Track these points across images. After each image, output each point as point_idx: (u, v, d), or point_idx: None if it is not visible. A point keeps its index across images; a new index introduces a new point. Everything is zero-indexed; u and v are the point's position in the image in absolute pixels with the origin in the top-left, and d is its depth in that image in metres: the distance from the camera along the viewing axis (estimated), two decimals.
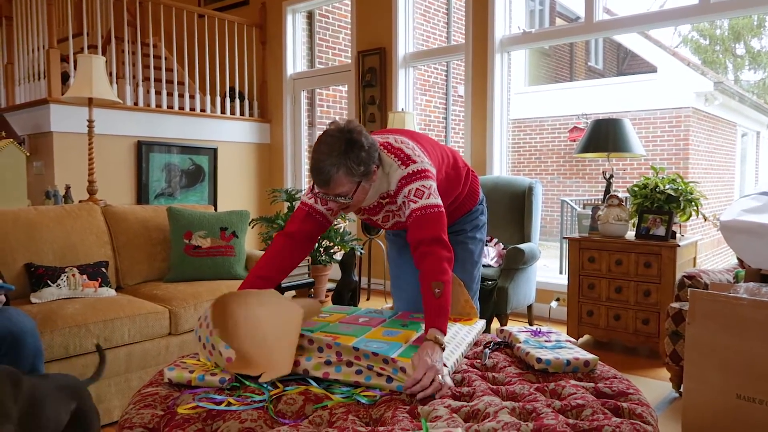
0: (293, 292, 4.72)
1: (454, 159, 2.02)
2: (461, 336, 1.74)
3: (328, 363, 1.45)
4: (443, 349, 1.49)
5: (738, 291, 2.27)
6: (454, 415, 1.28)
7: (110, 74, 4.60)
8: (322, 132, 1.65)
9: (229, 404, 1.34)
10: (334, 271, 5.25)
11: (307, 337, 1.47)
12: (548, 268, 6.69)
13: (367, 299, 4.80)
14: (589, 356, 1.57)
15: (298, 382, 1.46)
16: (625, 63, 12.91)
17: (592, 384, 1.47)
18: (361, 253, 4.61)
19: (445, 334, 1.53)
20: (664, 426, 2.33)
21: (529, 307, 3.86)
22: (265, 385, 1.44)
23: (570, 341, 1.71)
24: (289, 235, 1.80)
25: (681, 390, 2.68)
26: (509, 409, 1.30)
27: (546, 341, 1.69)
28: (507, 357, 1.69)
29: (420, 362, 1.41)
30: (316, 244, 4.63)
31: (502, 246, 3.75)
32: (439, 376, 1.40)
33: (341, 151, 1.59)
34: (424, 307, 1.58)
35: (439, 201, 1.71)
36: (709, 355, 2.22)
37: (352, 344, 1.61)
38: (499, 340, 1.81)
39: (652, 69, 8.90)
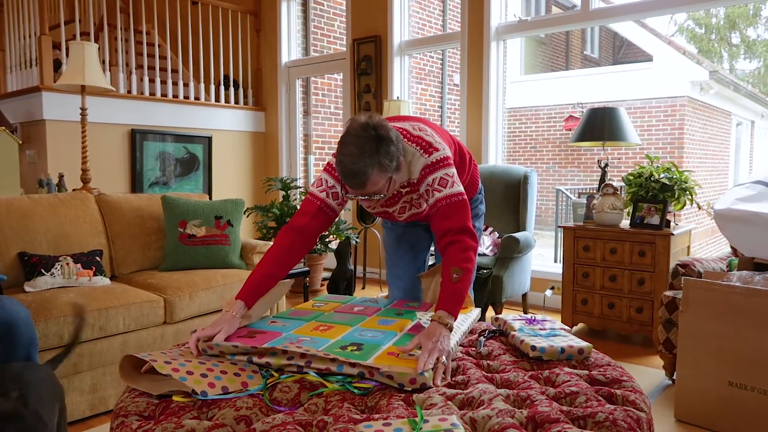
0: (291, 280, 4.71)
1: (459, 146, 2.02)
2: (456, 324, 1.75)
3: (290, 359, 1.44)
4: (450, 330, 1.50)
5: (731, 279, 2.29)
6: (449, 402, 1.28)
7: (103, 62, 4.56)
8: (344, 132, 1.59)
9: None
10: (330, 260, 5.25)
11: (280, 348, 1.45)
12: (543, 257, 6.71)
13: (363, 288, 4.81)
14: (583, 344, 1.58)
15: (294, 372, 1.46)
16: (620, 52, 12.88)
17: (586, 371, 1.47)
18: (356, 242, 4.61)
19: (455, 319, 1.54)
20: (657, 413, 2.35)
21: (524, 296, 3.87)
22: (261, 373, 1.44)
23: (564, 329, 1.72)
24: (297, 229, 1.76)
25: (674, 377, 2.70)
26: (504, 397, 1.30)
27: (540, 329, 1.70)
28: (502, 345, 1.69)
29: (424, 344, 1.43)
30: None
31: (497, 235, 3.76)
32: (443, 358, 1.42)
33: (373, 151, 1.54)
34: (440, 290, 1.58)
35: (462, 188, 1.70)
36: (702, 342, 2.23)
37: (344, 335, 1.61)
38: (494, 329, 1.81)
39: (648, 58, 8.89)
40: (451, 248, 1.62)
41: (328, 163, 1.81)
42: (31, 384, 1.39)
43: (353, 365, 1.39)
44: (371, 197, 1.64)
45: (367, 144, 1.54)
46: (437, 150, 1.71)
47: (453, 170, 1.71)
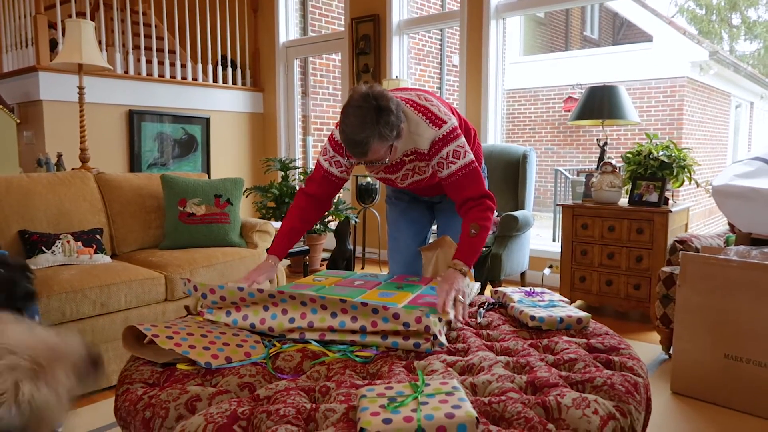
0: (288, 261, 4.74)
1: (465, 122, 2.06)
2: None
3: (291, 321, 1.47)
4: (465, 276, 1.69)
5: (728, 254, 2.30)
6: (450, 369, 1.30)
7: (99, 42, 4.52)
8: (346, 102, 1.66)
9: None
10: (329, 240, 5.27)
11: (288, 293, 1.48)
12: (541, 237, 6.73)
13: (362, 268, 4.83)
14: (582, 314, 1.60)
15: (296, 341, 1.48)
16: (620, 32, 12.80)
17: (584, 340, 1.49)
18: (355, 221, 4.62)
19: (470, 268, 1.72)
20: (653, 386, 2.38)
21: (523, 274, 3.90)
22: (264, 343, 1.46)
23: (563, 301, 1.74)
24: (309, 194, 1.93)
25: (671, 352, 2.73)
26: (503, 364, 1.32)
27: (539, 301, 1.72)
28: (501, 316, 1.71)
29: (441, 287, 1.62)
30: None
31: (496, 213, 3.77)
32: (460, 296, 1.61)
33: (374, 121, 1.60)
34: (459, 242, 1.77)
35: (472, 155, 1.82)
36: (698, 316, 2.26)
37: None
38: (493, 301, 1.83)
39: (648, 38, 8.83)
40: (473, 210, 1.78)
41: (331, 133, 1.89)
42: None
43: (355, 319, 1.41)
44: (373, 163, 1.72)
45: (368, 114, 1.59)
46: (445, 122, 1.78)
47: (462, 139, 1.80)
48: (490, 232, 3.62)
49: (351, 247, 4.34)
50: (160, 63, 5.31)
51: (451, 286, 1.61)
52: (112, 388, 2.44)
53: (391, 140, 1.67)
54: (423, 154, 1.83)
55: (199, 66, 5.21)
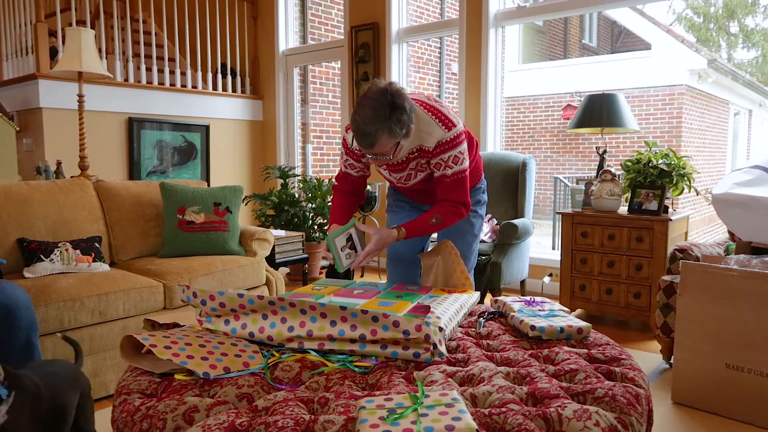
0: (287, 269, 4.73)
1: (468, 132, 2.07)
2: (456, 306, 1.76)
3: (290, 330, 1.46)
4: (402, 238, 1.93)
5: (729, 263, 2.30)
6: (450, 379, 1.29)
7: (99, 50, 4.53)
8: (363, 94, 1.71)
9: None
10: None
11: (288, 301, 1.47)
12: (541, 245, 6.72)
13: (362, 276, 4.82)
14: (582, 324, 1.59)
15: (295, 350, 1.47)
16: (619, 40, 12.84)
17: (585, 350, 1.49)
18: None
19: (407, 237, 1.95)
20: (654, 396, 2.37)
21: (522, 283, 3.89)
22: (262, 353, 1.45)
23: (563, 310, 1.73)
24: (343, 189, 2.11)
25: (671, 361, 2.72)
26: (504, 374, 1.31)
27: (540, 310, 1.71)
28: (501, 325, 1.70)
29: (374, 237, 1.92)
30: (310, 221, 4.64)
31: (496, 222, 3.76)
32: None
33: (386, 116, 1.66)
34: (416, 218, 1.96)
35: (468, 163, 1.95)
36: (699, 325, 2.25)
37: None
38: (493, 310, 1.82)
39: (646, 46, 8.86)
40: (446, 207, 1.93)
41: (343, 137, 2.01)
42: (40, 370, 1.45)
43: (354, 327, 1.40)
44: (377, 157, 1.79)
45: (382, 109, 1.65)
46: (454, 125, 1.86)
47: (464, 146, 1.89)
48: (491, 240, 3.63)
49: None
50: (160, 71, 5.32)
51: (378, 246, 1.90)
52: (109, 398, 2.43)
53: (399, 137, 1.72)
54: (427, 151, 1.89)
55: (199, 74, 5.22)
